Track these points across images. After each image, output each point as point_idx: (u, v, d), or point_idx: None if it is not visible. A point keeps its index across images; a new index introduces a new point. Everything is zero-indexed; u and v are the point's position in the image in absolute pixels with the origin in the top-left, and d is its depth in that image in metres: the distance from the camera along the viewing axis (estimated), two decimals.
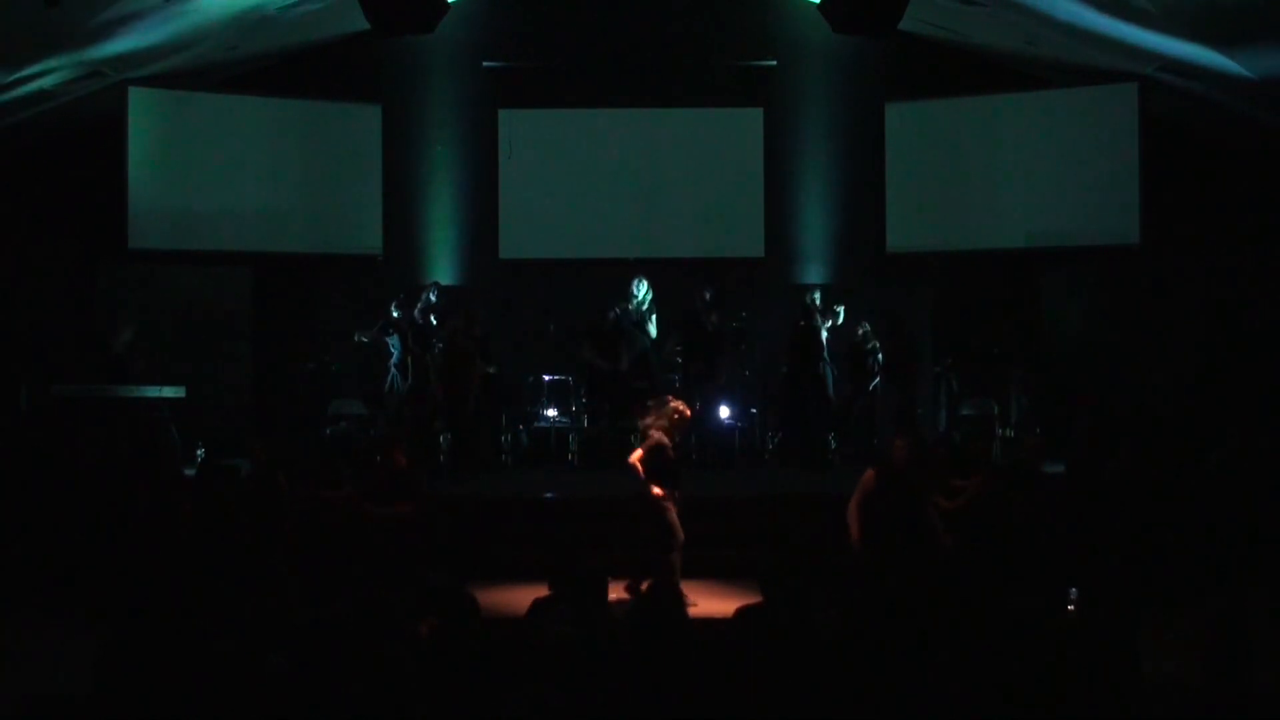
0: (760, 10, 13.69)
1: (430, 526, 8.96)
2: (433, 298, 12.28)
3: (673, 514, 8.29)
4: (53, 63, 10.43)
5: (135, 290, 12.74)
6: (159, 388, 11.36)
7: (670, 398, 8.75)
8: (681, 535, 8.33)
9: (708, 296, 12.05)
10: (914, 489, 8.30)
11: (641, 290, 12.16)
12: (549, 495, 10.51)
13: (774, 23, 13.72)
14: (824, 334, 12.08)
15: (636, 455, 8.35)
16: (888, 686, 4.32)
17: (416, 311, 12.16)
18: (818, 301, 12.22)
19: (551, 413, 12.51)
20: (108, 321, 12.01)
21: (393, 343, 12.15)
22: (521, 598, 6.12)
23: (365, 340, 12.17)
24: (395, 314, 12.16)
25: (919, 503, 8.23)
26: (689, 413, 8.60)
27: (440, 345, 11.65)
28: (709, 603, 8.18)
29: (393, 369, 12.18)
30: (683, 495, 8.48)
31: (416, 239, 13.80)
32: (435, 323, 12.11)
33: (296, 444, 11.68)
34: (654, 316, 12.29)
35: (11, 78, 10.30)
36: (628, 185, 13.70)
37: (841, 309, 12.24)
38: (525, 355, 12.66)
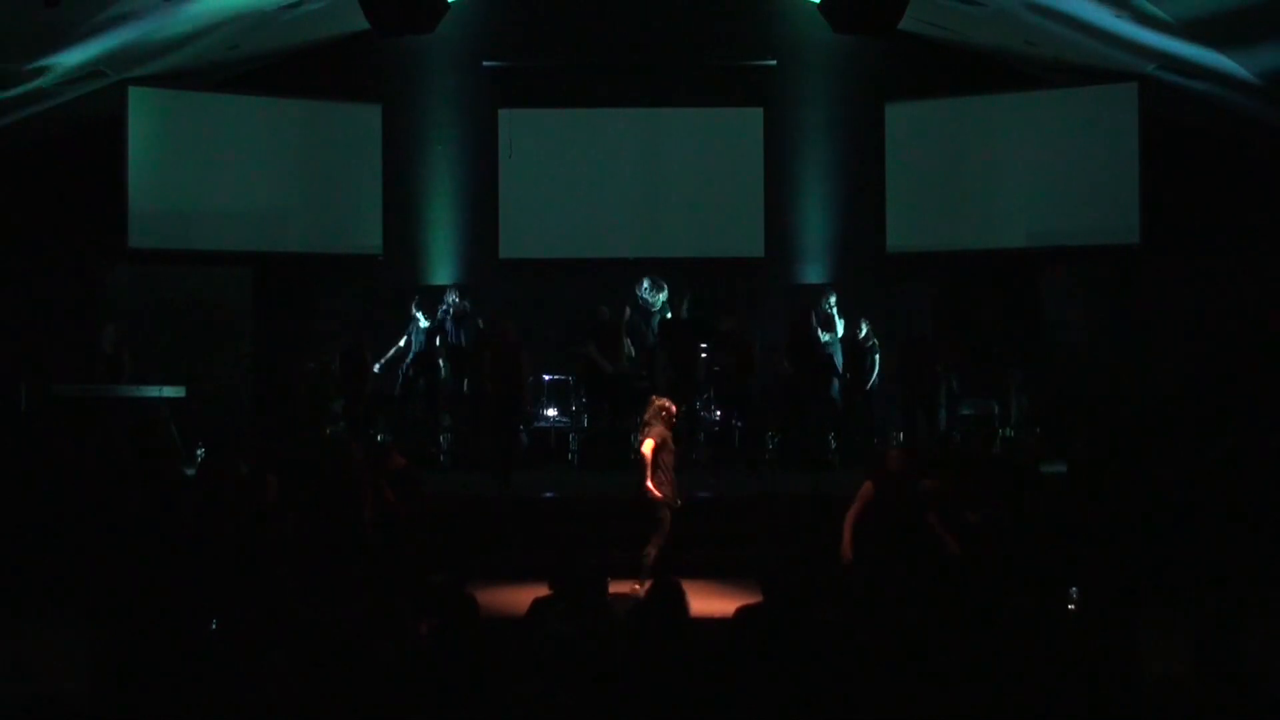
0: (760, 10, 13.69)
1: (431, 526, 8.97)
2: (455, 300, 12.35)
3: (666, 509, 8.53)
4: (53, 63, 10.43)
5: (135, 290, 12.74)
6: (159, 388, 11.37)
7: (654, 397, 8.89)
8: (667, 528, 8.52)
9: (685, 301, 12.07)
10: (912, 496, 8.35)
11: (659, 298, 12.15)
12: (549, 495, 10.51)
13: (774, 23, 13.71)
14: (828, 337, 12.09)
15: (650, 446, 8.57)
16: (888, 686, 4.32)
17: (442, 312, 12.23)
18: (834, 306, 12.21)
19: (551, 413, 12.51)
20: (94, 324, 12.03)
21: (418, 340, 12.22)
22: (521, 598, 6.11)
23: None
24: (418, 315, 12.21)
25: (918, 510, 8.29)
26: (674, 407, 8.72)
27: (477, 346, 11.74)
28: (709, 603, 8.18)
29: (402, 371, 12.23)
30: (680, 489, 8.67)
31: (416, 239, 13.80)
32: (452, 326, 12.23)
33: (294, 444, 11.68)
34: (666, 315, 12.30)
35: (11, 77, 10.30)
36: (628, 185, 13.70)
37: (844, 322, 12.22)
38: (525, 355, 12.64)
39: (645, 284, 12.10)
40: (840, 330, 12.20)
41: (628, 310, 12.13)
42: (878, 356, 12.15)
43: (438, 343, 12.27)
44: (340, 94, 13.30)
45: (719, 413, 12.16)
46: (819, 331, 12.05)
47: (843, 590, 7.69)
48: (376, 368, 12.19)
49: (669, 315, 12.13)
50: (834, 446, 12.01)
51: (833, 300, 12.38)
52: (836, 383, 12.07)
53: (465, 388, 12.16)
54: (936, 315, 13.45)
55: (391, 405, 12.45)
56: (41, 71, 10.51)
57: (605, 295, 12.38)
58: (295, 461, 9.53)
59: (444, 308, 12.33)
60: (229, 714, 4.03)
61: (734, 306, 11.87)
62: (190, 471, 9.57)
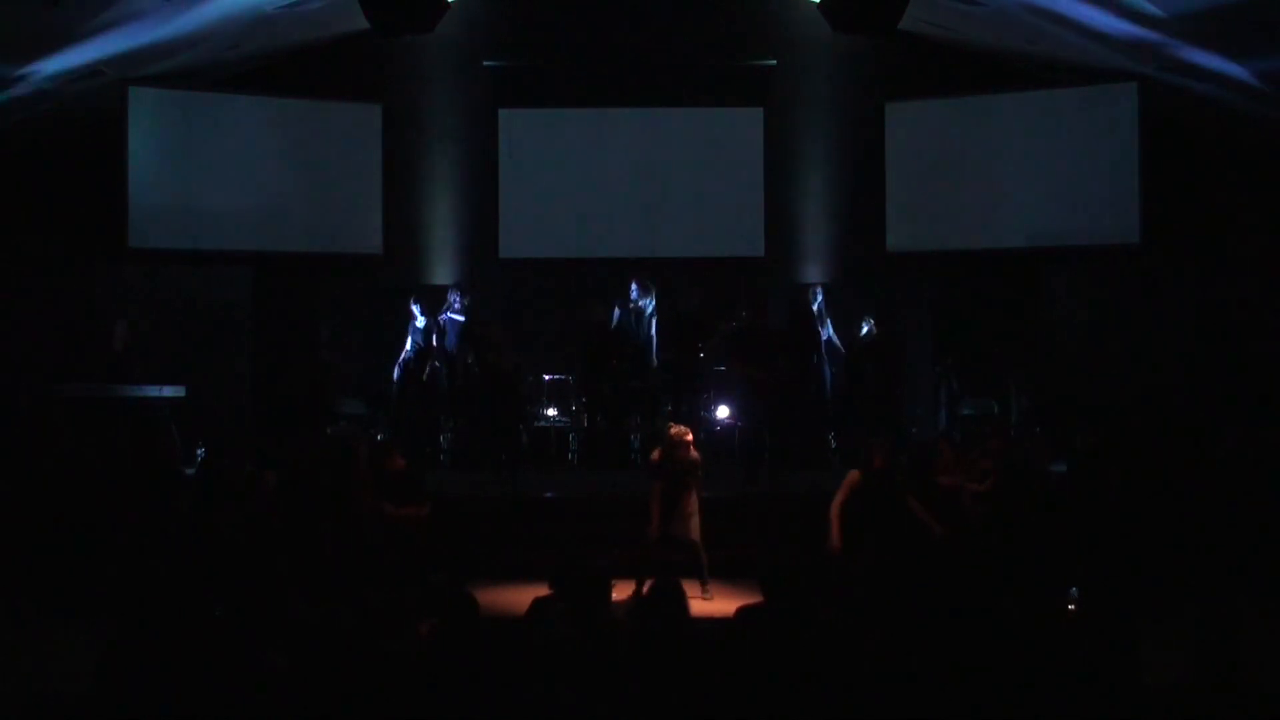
0: (760, 10, 13.68)
1: (431, 527, 8.97)
2: (456, 300, 12.39)
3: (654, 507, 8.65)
4: (53, 63, 10.43)
5: (135, 290, 12.73)
6: (159, 388, 11.37)
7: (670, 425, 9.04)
8: (654, 532, 8.60)
9: (695, 302, 12.13)
10: (896, 488, 8.43)
11: (649, 301, 12.22)
12: (549, 495, 10.51)
13: (774, 22, 13.70)
14: (823, 334, 12.12)
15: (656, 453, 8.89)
16: (887, 686, 4.32)
17: (443, 314, 12.28)
18: (820, 302, 12.25)
19: (551, 412, 12.52)
20: (104, 322, 12.03)
21: (415, 340, 12.25)
22: (521, 598, 6.12)
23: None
24: (419, 314, 12.23)
25: (901, 500, 8.38)
26: (674, 433, 8.80)
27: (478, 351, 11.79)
28: (709, 603, 8.19)
29: (399, 368, 12.25)
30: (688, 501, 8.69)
31: (416, 239, 13.81)
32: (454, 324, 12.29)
33: (298, 443, 11.68)
34: (654, 318, 12.32)
35: (11, 77, 10.30)
36: (628, 185, 13.69)
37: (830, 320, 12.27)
38: (525, 355, 12.65)
39: (634, 287, 12.16)
40: (830, 329, 12.22)
41: (617, 312, 12.17)
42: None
43: (434, 342, 12.30)
44: (340, 94, 13.30)
45: (721, 413, 12.17)
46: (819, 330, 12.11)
47: (842, 590, 7.70)
48: (397, 373, 12.24)
49: (655, 318, 12.16)
50: (834, 446, 12.01)
51: (819, 298, 12.41)
52: (828, 379, 12.10)
53: (450, 383, 12.19)
54: (936, 315, 13.45)
55: (389, 405, 12.48)
56: (43, 72, 10.52)
57: (605, 295, 12.39)
58: (294, 460, 9.53)
59: (444, 309, 12.37)
60: (229, 714, 4.03)
61: (745, 306, 11.83)
62: (190, 471, 9.57)
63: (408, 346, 12.32)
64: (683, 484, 8.68)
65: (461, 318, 12.28)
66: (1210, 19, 9.61)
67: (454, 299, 12.44)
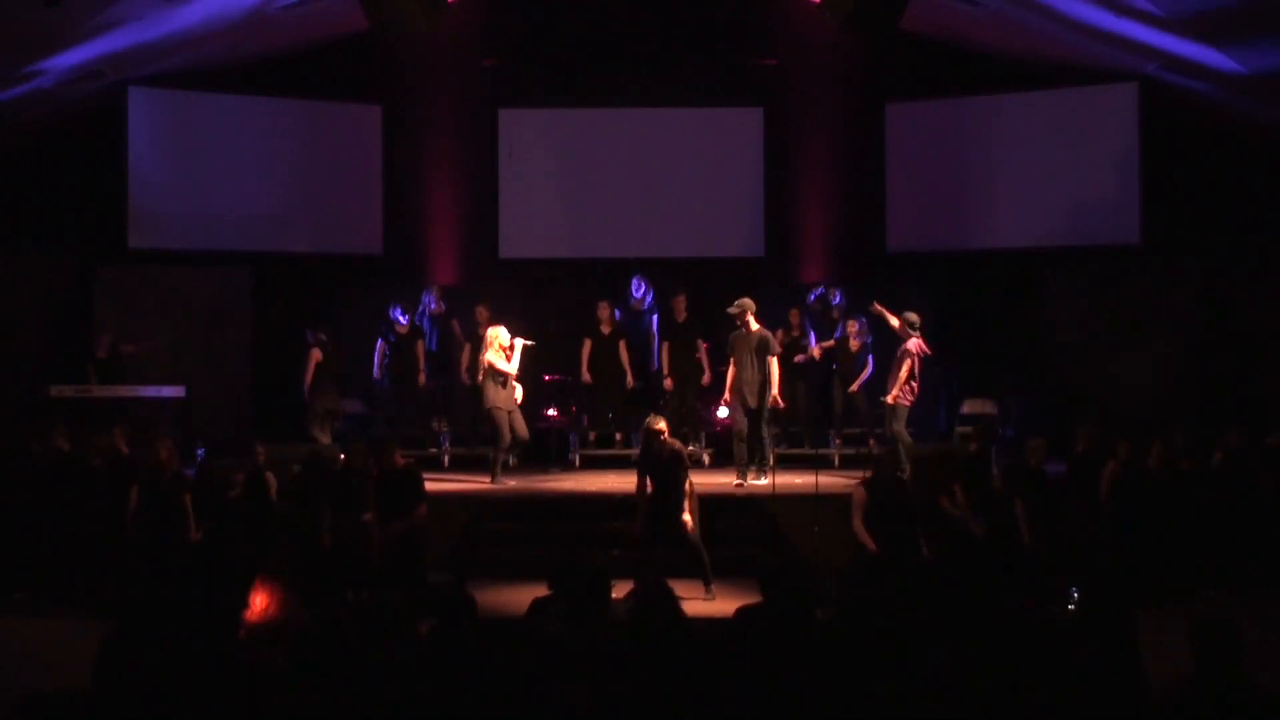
0: (760, 10, 13.67)
1: (431, 526, 8.97)
2: (432, 302, 12.38)
3: (642, 504, 8.62)
4: (52, 63, 10.43)
5: (135, 290, 12.73)
6: (159, 388, 11.36)
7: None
8: (639, 530, 8.56)
9: (684, 300, 12.13)
10: (905, 495, 8.43)
11: (647, 297, 12.25)
12: (549, 495, 10.50)
13: (774, 23, 13.69)
14: (838, 334, 12.15)
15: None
16: (888, 687, 4.32)
17: (419, 314, 12.26)
18: (840, 302, 12.30)
19: (551, 412, 12.51)
20: (103, 323, 12.02)
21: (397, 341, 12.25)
22: (521, 598, 6.12)
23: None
24: (401, 317, 12.21)
25: (910, 507, 8.39)
26: (646, 425, 8.79)
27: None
28: (709, 603, 8.19)
29: (384, 371, 12.23)
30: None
31: (416, 239, 13.79)
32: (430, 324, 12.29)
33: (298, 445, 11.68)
34: (654, 317, 12.33)
35: (11, 77, 10.30)
36: (627, 185, 13.69)
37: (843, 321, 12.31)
38: (525, 355, 12.64)
39: (634, 283, 12.26)
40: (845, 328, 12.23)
41: (618, 312, 12.18)
42: (870, 357, 12.09)
43: (420, 344, 12.30)
44: (340, 94, 13.30)
45: (721, 413, 12.15)
46: (810, 332, 12.15)
47: (841, 590, 7.70)
48: (383, 375, 12.22)
49: (655, 313, 12.17)
50: (833, 447, 12.00)
51: (839, 299, 12.42)
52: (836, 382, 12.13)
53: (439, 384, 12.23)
54: (936, 315, 13.42)
55: (388, 406, 12.47)
56: (42, 72, 10.52)
57: (605, 295, 12.38)
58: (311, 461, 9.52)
59: (420, 309, 12.35)
60: (229, 714, 4.02)
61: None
62: (190, 471, 9.57)
63: (386, 351, 12.21)
64: (671, 478, 8.54)
65: (440, 318, 12.30)
66: (1209, 18, 9.61)
67: (428, 300, 12.42)
